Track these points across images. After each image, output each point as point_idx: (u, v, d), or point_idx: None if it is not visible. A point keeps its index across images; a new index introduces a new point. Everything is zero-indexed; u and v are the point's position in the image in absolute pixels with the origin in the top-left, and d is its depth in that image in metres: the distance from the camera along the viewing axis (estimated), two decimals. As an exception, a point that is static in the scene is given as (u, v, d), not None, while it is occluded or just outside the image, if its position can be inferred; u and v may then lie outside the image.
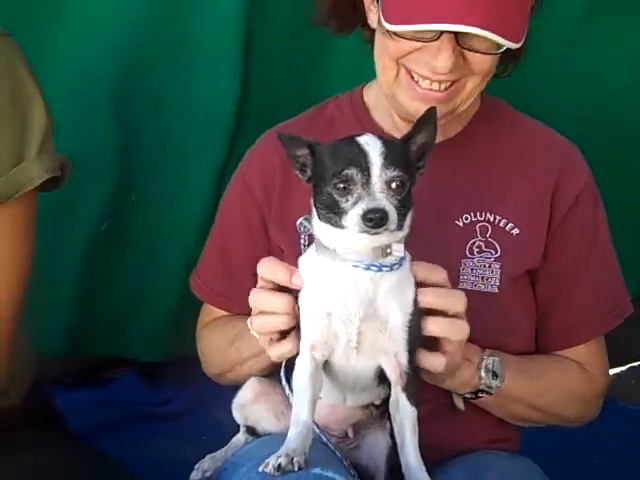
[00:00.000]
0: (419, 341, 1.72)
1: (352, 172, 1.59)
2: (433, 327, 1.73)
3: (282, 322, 1.73)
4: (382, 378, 1.74)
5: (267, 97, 2.62)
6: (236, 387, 1.98)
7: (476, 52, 1.85)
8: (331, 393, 1.77)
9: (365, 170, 1.59)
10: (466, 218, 1.98)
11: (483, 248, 1.97)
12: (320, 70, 2.61)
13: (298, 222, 1.76)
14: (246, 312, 1.88)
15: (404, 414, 1.72)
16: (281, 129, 2.09)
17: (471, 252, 1.96)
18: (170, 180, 2.64)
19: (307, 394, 1.67)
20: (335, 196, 1.61)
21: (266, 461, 1.59)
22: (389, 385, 1.74)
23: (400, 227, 1.64)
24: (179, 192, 2.64)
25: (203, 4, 2.53)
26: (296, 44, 2.62)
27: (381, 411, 1.82)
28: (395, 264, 1.67)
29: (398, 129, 2.00)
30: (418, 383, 1.74)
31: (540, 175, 2.01)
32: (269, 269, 1.76)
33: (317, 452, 1.68)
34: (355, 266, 1.65)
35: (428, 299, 1.71)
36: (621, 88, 2.67)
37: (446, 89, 1.88)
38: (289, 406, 1.80)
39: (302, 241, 1.79)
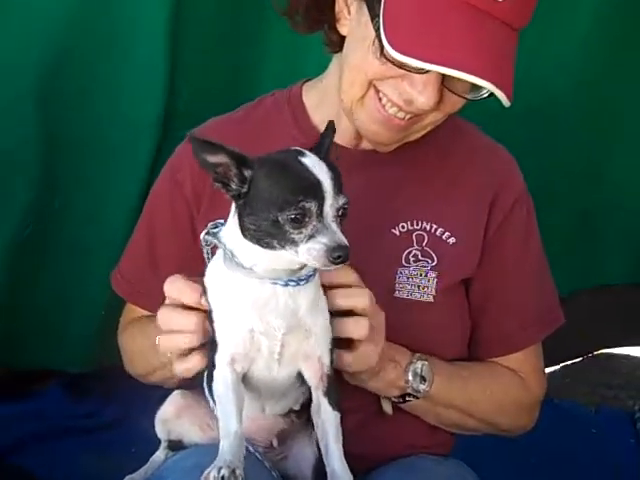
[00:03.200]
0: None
1: (310, 205, 1.53)
2: (339, 328, 1.70)
3: (190, 341, 1.69)
4: (300, 381, 1.71)
5: (196, 95, 2.56)
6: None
7: (455, 94, 1.79)
8: (249, 404, 1.71)
9: (321, 201, 1.53)
10: (402, 227, 1.94)
11: (419, 257, 1.93)
12: (251, 67, 2.57)
13: (202, 236, 1.68)
14: None
15: (326, 419, 1.68)
16: (213, 126, 2.03)
17: (407, 261, 1.93)
18: (95, 180, 2.56)
19: (232, 405, 1.62)
20: (286, 227, 1.54)
21: (206, 472, 1.53)
22: (308, 388, 1.71)
23: None
24: (105, 193, 2.57)
25: (128, 9, 2.46)
26: (226, 39, 2.57)
27: (304, 419, 1.77)
28: (310, 275, 1.63)
29: (341, 133, 1.88)
30: (338, 386, 1.70)
31: (478, 184, 1.98)
32: (176, 289, 1.70)
33: (245, 462, 1.60)
34: (274, 283, 1.61)
35: (338, 301, 1.69)
36: (551, 94, 2.67)
37: (410, 119, 1.83)
38: (214, 417, 1.73)
39: (206, 255, 1.71)
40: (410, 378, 1.84)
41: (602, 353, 3.41)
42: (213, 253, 1.69)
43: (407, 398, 1.88)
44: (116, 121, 2.53)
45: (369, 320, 1.70)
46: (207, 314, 1.67)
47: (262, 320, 1.62)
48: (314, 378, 1.68)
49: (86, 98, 2.51)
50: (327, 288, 1.69)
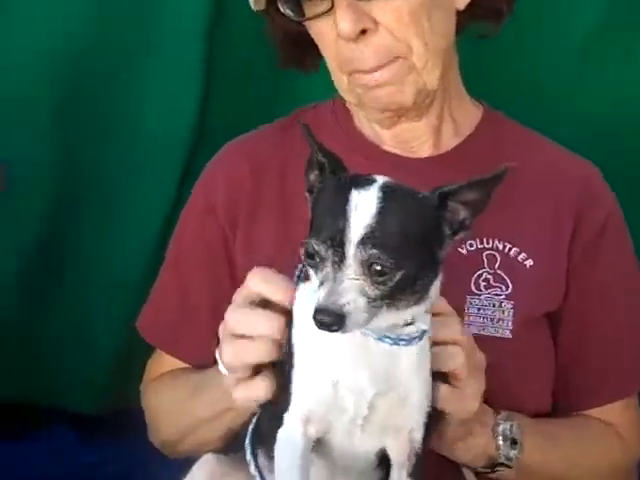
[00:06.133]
0: None
1: (320, 248, 1.27)
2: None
3: (268, 351, 1.40)
4: (380, 462, 1.43)
5: (231, 111, 2.32)
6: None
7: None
8: (315, 478, 1.43)
9: (339, 245, 1.26)
10: (471, 245, 1.69)
11: (491, 282, 1.67)
12: (290, 84, 2.32)
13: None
14: (204, 363, 1.59)
15: None
16: (249, 140, 1.84)
17: (477, 287, 1.67)
18: (117, 203, 2.30)
19: None
20: (307, 262, 1.31)
21: None
22: (386, 471, 1.43)
23: (418, 299, 1.32)
24: (127, 218, 2.31)
25: (164, 13, 2.24)
26: (266, 53, 2.34)
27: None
28: (415, 337, 1.36)
29: (380, 137, 1.76)
30: (425, 469, 1.42)
31: (558, 198, 1.73)
32: (264, 282, 1.41)
33: None
34: (365, 334, 1.34)
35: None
36: (634, 105, 2.40)
37: (387, 63, 1.63)
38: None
39: (297, 272, 1.45)
40: (500, 443, 1.56)
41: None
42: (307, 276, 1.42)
43: (496, 468, 1.59)
44: (140, 138, 2.29)
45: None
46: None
47: (349, 374, 1.34)
48: (400, 455, 1.39)
49: (107, 112, 2.28)
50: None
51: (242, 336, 1.42)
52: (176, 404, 1.72)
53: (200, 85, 2.28)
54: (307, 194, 1.38)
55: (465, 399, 1.46)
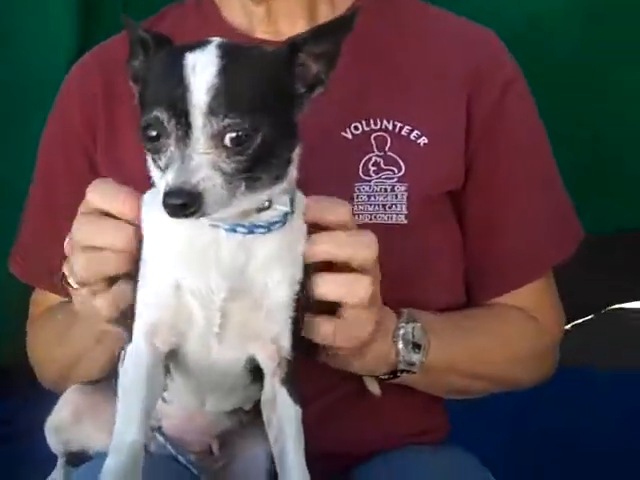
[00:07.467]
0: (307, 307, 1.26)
1: (163, 116, 1.10)
2: (323, 289, 1.26)
3: (119, 262, 1.24)
4: (255, 373, 1.27)
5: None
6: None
7: None
8: (184, 396, 1.29)
9: (182, 116, 1.09)
10: (356, 128, 1.52)
11: (382, 166, 1.51)
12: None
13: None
14: None
15: (284, 415, 1.24)
16: (105, 48, 1.64)
17: (366, 172, 1.50)
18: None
19: (138, 400, 1.17)
20: (146, 148, 1.14)
21: None
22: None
23: (278, 176, 1.16)
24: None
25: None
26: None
27: (256, 417, 1.33)
28: (276, 222, 1.19)
29: (251, 24, 1.58)
30: (299, 374, 1.26)
31: (451, 67, 1.56)
32: (103, 194, 1.26)
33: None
34: (214, 226, 1.17)
35: (323, 248, 1.24)
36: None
37: None
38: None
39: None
40: (401, 347, 1.40)
41: (616, 308, 3.00)
42: None
43: (399, 374, 1.44)
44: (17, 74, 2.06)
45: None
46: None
47: (195, 275, 1.18)
48: (270, 363, 1.24)
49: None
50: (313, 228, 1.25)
51: (91, 247, 1.27)
52: (54, 339, 1.57)
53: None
54: (132, 84, 1.21)
55: (354, 328, 1.30)
